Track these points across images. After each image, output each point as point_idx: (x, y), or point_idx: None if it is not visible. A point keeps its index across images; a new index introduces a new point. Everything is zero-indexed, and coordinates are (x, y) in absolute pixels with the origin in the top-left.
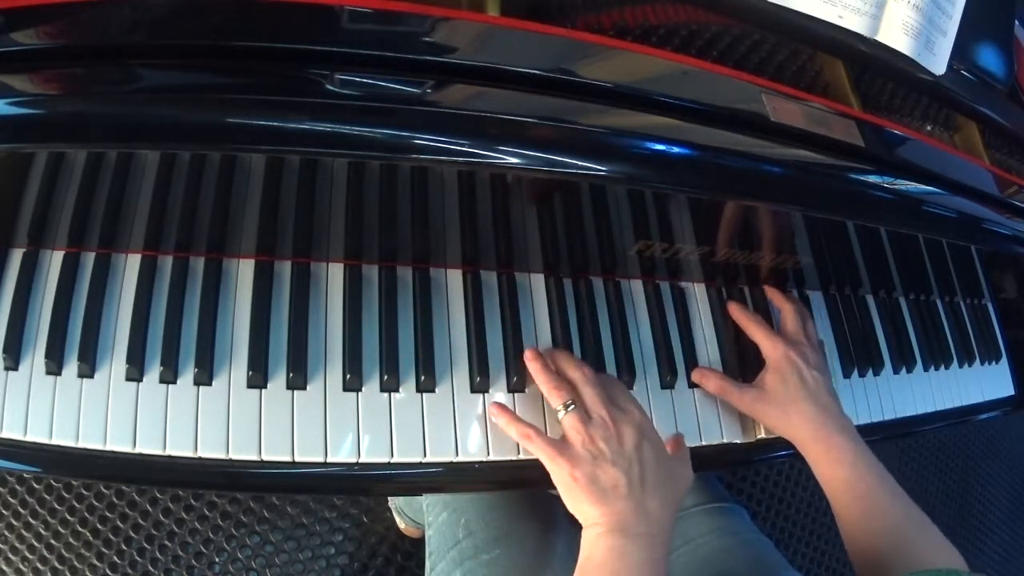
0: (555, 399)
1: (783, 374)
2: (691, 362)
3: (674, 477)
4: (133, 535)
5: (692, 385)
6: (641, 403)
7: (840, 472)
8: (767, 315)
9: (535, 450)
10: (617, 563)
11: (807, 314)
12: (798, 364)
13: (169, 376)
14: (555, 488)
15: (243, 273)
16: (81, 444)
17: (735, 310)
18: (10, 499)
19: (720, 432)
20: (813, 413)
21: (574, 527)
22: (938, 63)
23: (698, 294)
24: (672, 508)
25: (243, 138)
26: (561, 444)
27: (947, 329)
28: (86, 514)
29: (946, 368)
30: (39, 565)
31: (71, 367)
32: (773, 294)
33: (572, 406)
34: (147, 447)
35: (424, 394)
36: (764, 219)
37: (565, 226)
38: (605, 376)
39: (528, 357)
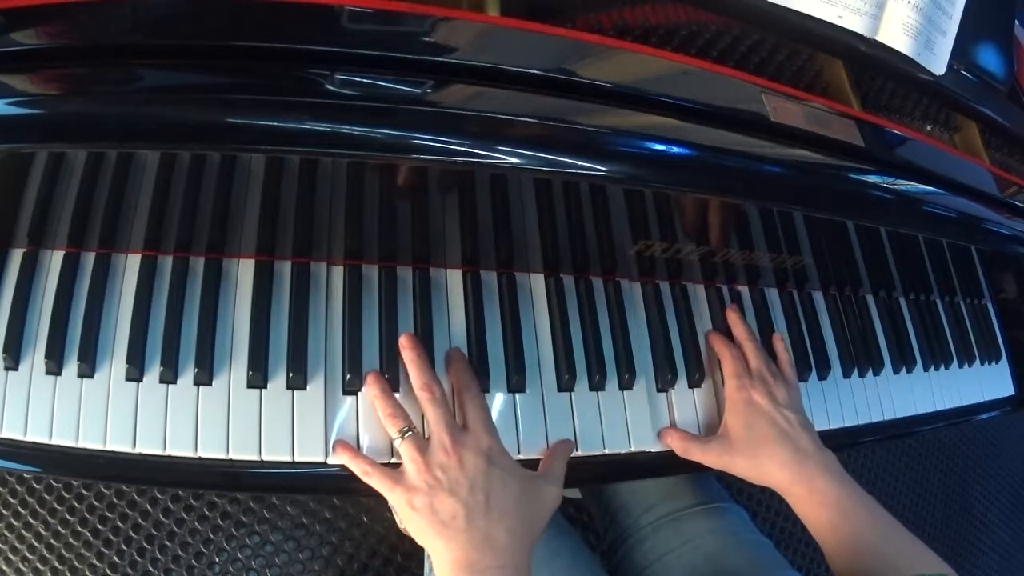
0: (391, 427)
1: (746, 418)
2: (692, 362)
3: (533, 500)
4: (133, 535)
5: (692, 385)
6: (640, 403)
7: (825, 514)
8: (767, 319)
9: (374, 485)
10: None
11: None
12: (762, 406)
13: (169, 376)
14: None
15: (243, 273)
16: (81, 444)
17: (714, 338)
18: (10, 499)
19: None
20: (788, 457)
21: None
22: (938, 63)
23: (698, 294)
24: (529, 534)
25: (243, 138)
26: (398, 475)
27: (947, 329)
28: (86, 514)
29: (946, 368)
30: (39, 565)
31: (71, 367)
32: (733, 322)
33: (409, 432)
34: (147, 447)
35: None
36: (764, 219)
37: (565, 226)
38: (461, 381)
39: (369, 382)
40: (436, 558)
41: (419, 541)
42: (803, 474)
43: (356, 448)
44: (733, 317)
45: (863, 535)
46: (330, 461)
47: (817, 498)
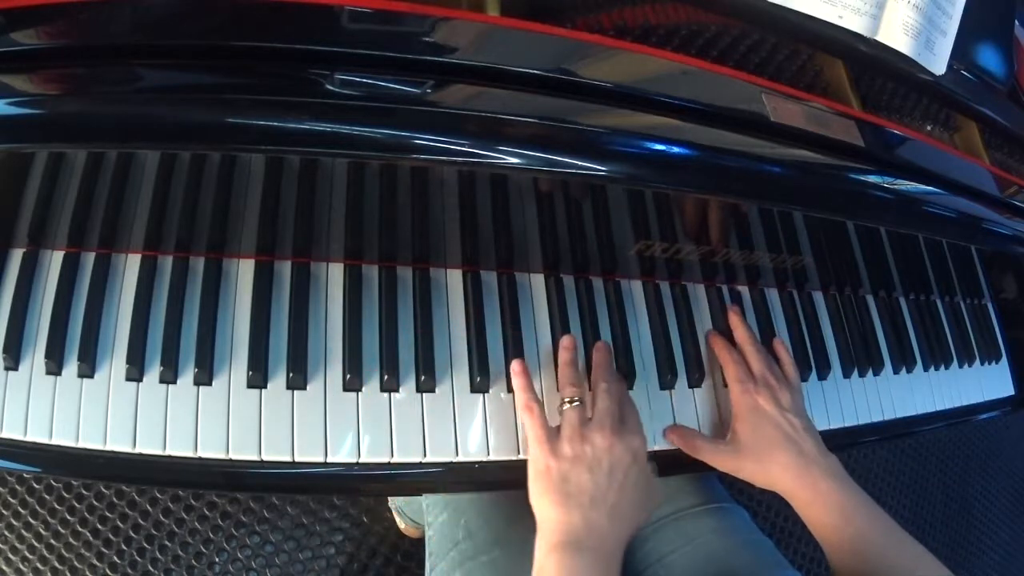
0: (567, 391)
1: (753, 424)
2: (692, 362)
3: (646, 506)
4: (133, 535)
5: (692, 385)
6: (641, 403)
7: (828, 518)
8: (767, 319)
9: (529, 425)
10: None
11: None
12: (769, 411)
13: (169, 376)
14: None
15: (243, 273)
16: (81, 444)
17: (716, 342)
18: (10, 499)
19: (720, 433)
20: (793, 461)
21: None
22: (938, 63)
23: (698, 294)
24: (631, 532)
25: (243, 138)
26: (552, 432)
27: (947, 329)
28: (86, 514)
29: (946, 368)
30: (39, 565)
31: (71, 367)
32: (734, 324)
33: (578, 403)
34: (147, 447)
35: (424, 394)
36: (764, 219)
37: (565, 226)
38: (627, 398)
39: (564, 345)
40: (544, 522)
41: (533, 499)
42: (807, 478)
43: (530, 379)
44: (735, 319)
45: (865, 538)
46: (512, 374)
47: (820, 501)
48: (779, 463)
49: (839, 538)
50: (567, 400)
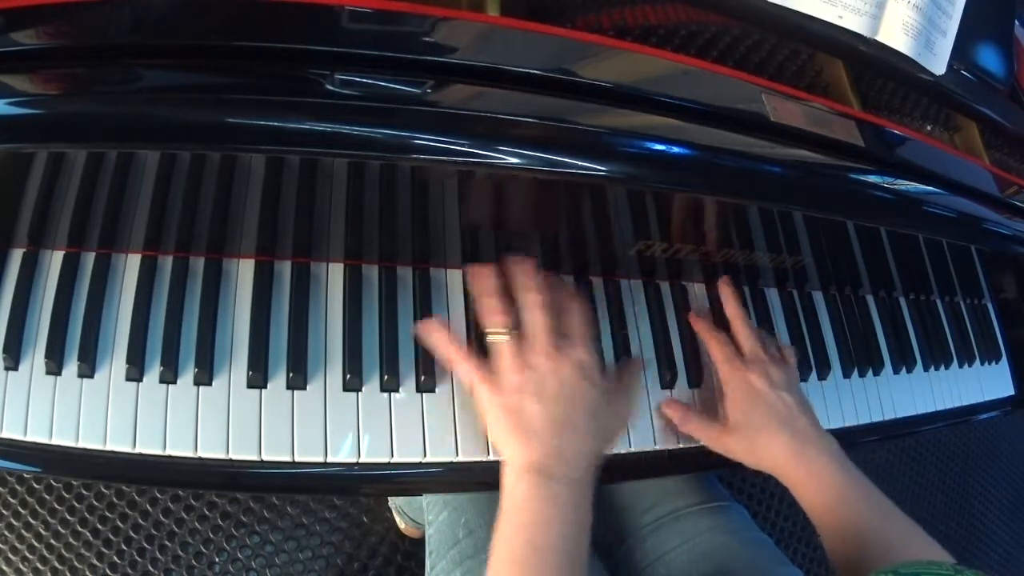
0: (491, 321)
1: (744, 404)
2: (691, 362)
3: (611, 417)
4: (133, 535)
5: (692, 385)
6: (641, 402)
7: (822, 497)
8: (767, 319)
9: (463, 374)
10: (536, 504)
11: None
12: (760, 389)
13: (169, 376)
14: None
15: (243, 273)
16: (81, 444)
17: (697, 323)
18: (10, 499)
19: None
20: (787, 440)
21: None
22: (938, 63)
23: (698, 294)
24: (602, 449)
25: (243, 138)
26: (491, 370)
27: (947, 329)
28: (86, 514)
29: (946, 368)
30: (39, 565)
31: (71, 367)
32: (726, 298)
33: (506, 333)
34: (147, 447)
35: (424, 394)
36: (764, 219)
37: (565, 226)
38: (564, 297)
39: (482, 274)
40: (511, 459)
41: (495, 441)
42: (801, 458)
43: (447, 330)
44: (726, 292)
45: (861, 520)
46: (420, 333)
47: (815, 482)
48: (771, 445)
49: (835, 520)
50: (494, 331)
